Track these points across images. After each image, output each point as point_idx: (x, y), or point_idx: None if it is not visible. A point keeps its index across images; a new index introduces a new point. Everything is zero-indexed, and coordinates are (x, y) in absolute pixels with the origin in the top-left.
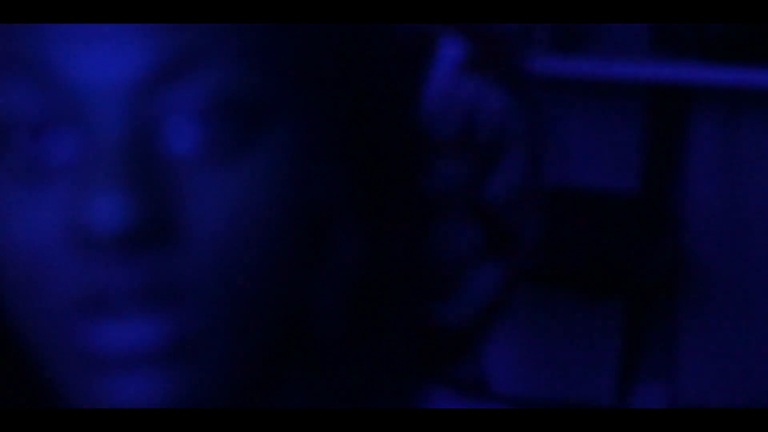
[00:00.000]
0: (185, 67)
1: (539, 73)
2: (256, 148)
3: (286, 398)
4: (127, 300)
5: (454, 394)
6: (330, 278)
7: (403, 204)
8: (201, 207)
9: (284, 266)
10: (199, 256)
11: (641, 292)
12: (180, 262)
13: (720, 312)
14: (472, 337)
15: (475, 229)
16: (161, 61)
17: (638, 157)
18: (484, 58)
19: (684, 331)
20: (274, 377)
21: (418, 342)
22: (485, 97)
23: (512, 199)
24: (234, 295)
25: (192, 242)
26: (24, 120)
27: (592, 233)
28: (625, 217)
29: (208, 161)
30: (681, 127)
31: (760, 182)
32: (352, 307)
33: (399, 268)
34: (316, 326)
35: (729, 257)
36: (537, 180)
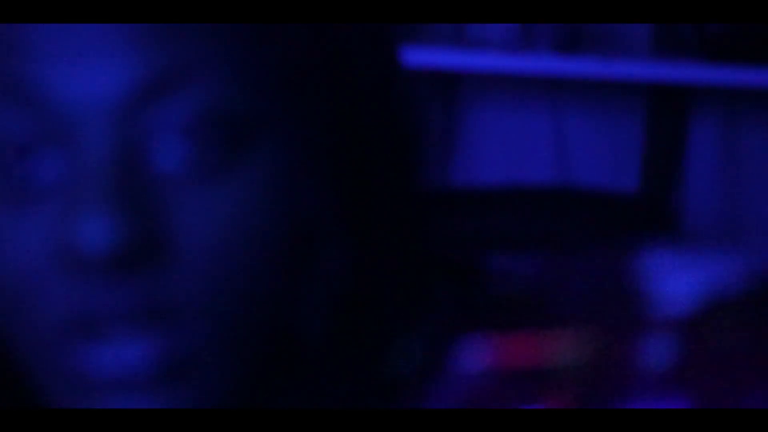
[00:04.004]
0: (171, 84)
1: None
2: (243, 163)
3: (279, 405)
4: (118, 322)
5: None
6: (318, 288)
7: (390, 214)
8: (190, 225)
9: (274, 280)
10: (189, 274)
11: None
12: (170, 282)
13: None
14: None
15: None
16: (147, 78)
17: (638, 157)
18: None
19: None
20: (267, 387)
21: (408, 347)
22: None
23: None
24: (225, 312)
25: (182, 261)
26: (10, 141)
27: (592, 233)
28: (625, 217)
29: (196, 178)
30: (681, 127)
31: (760, 182)
32: (340, 316)
33: (387, 277)
34: (305, 336)
35: None
36: None
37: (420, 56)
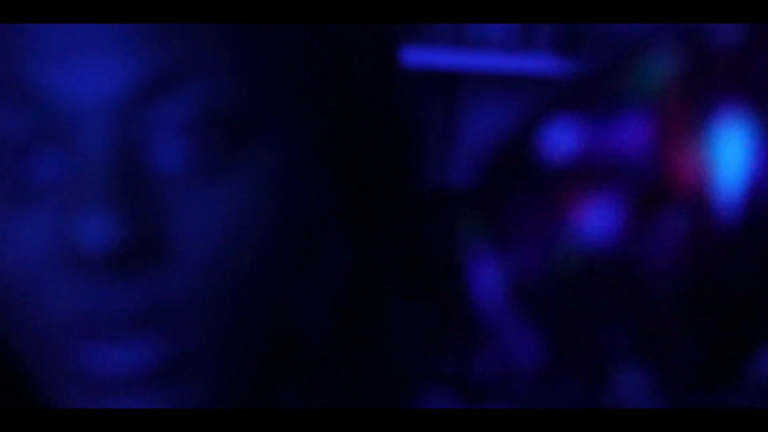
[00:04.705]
0: (170, 83)
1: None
2: (243, 162)
3: (279, 404)
4: (119, 321)
5: (454, 394)
6: (318, 287)
7: (390, 213)
8: (190, 223)
9: (274, 279)
10: (189, 273)
11: None
12: (171, 281)
13: None
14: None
15: None
16: (146, 77)
17: None
18: None
19: None
20: (267, 386)
21: (406, 345)
22: None
23: None
24: (226, 310)
25: (182, 260)
26: (9, 140)
27: None
28: None
29: (196, 177)
30: None
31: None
32: (339, 313)
33: (386, 275)
34: (303, 334)
35: None
36: None
37: (420, 56)
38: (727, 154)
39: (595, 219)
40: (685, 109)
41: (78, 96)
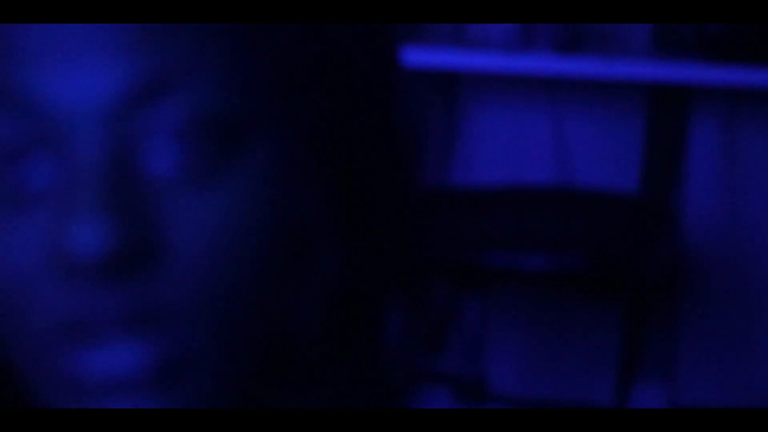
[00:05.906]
0: (163, 88)
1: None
2: (236, 167)
3: (275, 405)
4: (111, 326)
5: (454, 395)
6: (310, 289)
7: (386, 214)
8: (182, 228)
9: (266, 283)
10: (182, 278)
11: (641, 292)
12: (163, 286)
13: (720, 312)
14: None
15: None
16: (139, 83)
17: (638, 157)
18: None
19: (684, 331)
20: (261, 390)
21: (402, 345)
22: None
23: None
24: (218, 315)
25: (174, 265)
26: (1, 146)
27: (592, 233)
28: (625, 217)
29: (189, 182)
30: (681, 127)
31: (760, 182)
32: (332, 316)
33: (381, 278)
34: (298, 337)
35: (729, 257)
36: None
37: (420, 56)
38: None
39: None
40: None
41: (70, 101)
